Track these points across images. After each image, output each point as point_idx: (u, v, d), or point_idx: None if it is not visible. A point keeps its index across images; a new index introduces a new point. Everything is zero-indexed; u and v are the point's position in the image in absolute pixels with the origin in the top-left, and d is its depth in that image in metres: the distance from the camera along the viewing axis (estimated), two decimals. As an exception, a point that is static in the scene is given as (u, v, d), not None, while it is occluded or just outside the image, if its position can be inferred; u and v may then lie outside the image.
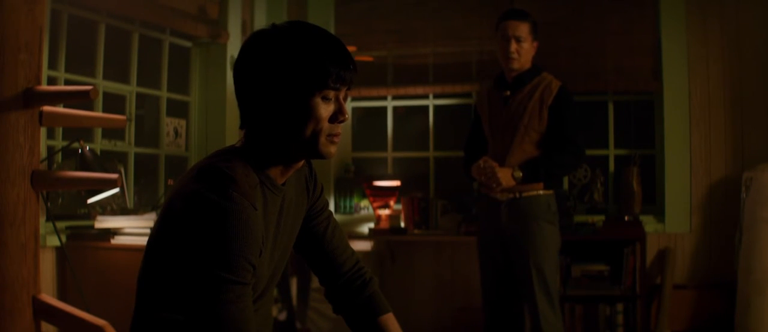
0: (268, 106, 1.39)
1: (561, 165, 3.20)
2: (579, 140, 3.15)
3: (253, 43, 1.41)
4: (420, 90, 4.66)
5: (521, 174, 3.07)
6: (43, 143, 3.10)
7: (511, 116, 3.18)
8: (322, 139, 1.40)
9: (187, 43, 4.20)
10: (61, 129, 3.37)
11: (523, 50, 3.14)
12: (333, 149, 1.43)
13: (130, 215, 3.22)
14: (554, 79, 3.19)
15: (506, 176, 3.06)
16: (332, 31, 4.40)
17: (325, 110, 1.39)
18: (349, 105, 1.46)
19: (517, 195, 3.13)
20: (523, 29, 3.13)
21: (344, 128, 1.45)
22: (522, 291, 3.14)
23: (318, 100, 1.38)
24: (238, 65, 1.42)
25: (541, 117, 3.12)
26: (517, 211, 3.12)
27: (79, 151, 2.85)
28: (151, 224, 3.04)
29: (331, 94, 1.39)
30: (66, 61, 3.39)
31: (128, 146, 3.81)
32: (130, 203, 3.64)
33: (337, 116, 1.41)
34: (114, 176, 2.24)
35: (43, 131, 2.53)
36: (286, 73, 1.36)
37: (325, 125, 1.40)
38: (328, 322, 4.11)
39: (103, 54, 3.63)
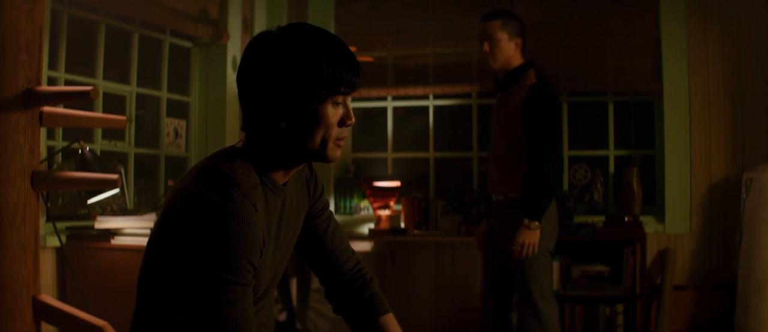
0: (274, 110, 1.38)
1: (538, 192, 2.95)
2: (546, 144, 2.93)
3: (259, 46, 1.40)
4: (420, 91, 4.66)
5: (537, 223, 2.92)
6: (43, 143, 3.09)
7: (497, 122, 3.15)
8: (331, 144, 1.41)
9: (188, 44, 4.20)
10: (61, 129, 3.37)
11: (499, 49, 3.04)
12: (339, 152, 1.44)
13: (130, 216, 3.21)
14: (533, 76, 3.04)
15: (531, 236, 2.93)
16: (332, 31, 4.40)
17: (335, 115, 1.40)
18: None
19: (504, 197, 3.10)
20: (491, 27, 3.05)
21: (344, 129, 1.45)
22: (514, 288, 3.11)
23: (328, 105, 1.38)
24: (243, 68, 1.41)
25: (515, 122, 2.99)
26: (507, 212, 3.09)
27: (79, 151, 2.85)
28: (151, 224, 3.04)
29: (341, 98, 1.40)
30: (66, 61, 3.39)
31: (128, 147, 3.81)
32: (130, 203, 3.63)
33: (344, 120, 1.41)
34: (114, 176, 2.23)
35: (43, 131, 2.53)
36: (296, 79, 1.35)
37: (335, 130, 1.40)
38: (328, 322, 4.10)
39: (103, 54, 3.62)
